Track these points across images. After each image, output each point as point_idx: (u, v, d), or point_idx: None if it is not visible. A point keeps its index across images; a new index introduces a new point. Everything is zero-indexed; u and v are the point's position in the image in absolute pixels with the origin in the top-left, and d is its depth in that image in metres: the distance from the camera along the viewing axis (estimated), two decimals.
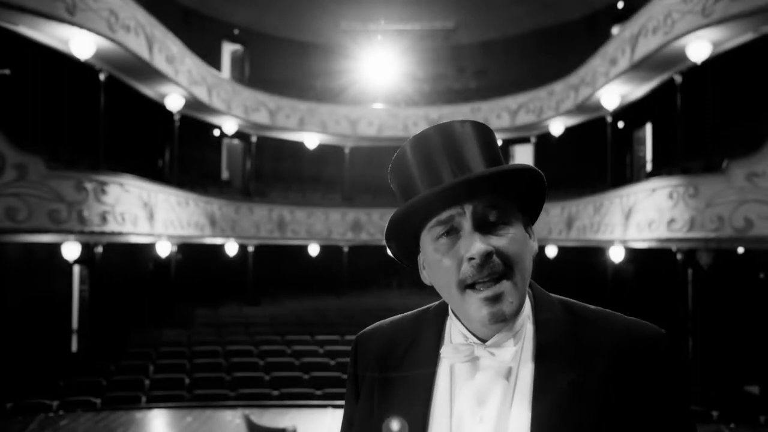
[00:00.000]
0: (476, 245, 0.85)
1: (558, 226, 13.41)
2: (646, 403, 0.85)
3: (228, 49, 18.08)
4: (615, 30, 13.89)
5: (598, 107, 12.70)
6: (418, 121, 16.71)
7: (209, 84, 13.65)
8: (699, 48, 8.83)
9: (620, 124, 14.00)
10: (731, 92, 10.38)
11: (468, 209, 0.87)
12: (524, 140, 16.39)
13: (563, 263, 14.00)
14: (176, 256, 13.36)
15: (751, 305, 9.71)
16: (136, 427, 8.05)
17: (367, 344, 1.04)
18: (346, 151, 17.39)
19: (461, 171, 0.88)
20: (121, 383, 9.36)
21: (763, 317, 9.26)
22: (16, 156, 7.82)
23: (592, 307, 0.96)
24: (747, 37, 8.64)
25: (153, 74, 11.20)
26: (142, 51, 10.37)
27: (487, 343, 0.90)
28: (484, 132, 0.93)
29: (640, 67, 10.37)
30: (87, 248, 9.73)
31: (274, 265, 16.53)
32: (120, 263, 12.38)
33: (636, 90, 11.67)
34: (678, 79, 10.18)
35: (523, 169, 0.88)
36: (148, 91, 12.18)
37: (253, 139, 16.41)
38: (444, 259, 0.88)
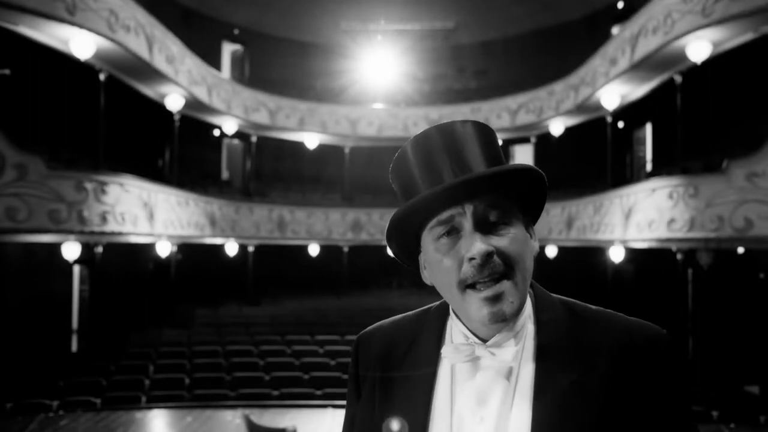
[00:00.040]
0: (477, 245, 0.85)
1: (558, 226, 13.41)
2: (648, 403, 0.85)
3: (228, 49, 18.08)
4: (615, 30, 13.89)
5: (598, 107, 12.71)
6: (418, 121, 16.71)
7: (209, 84, 13.65)
8: (699, 48, 8.83)
9: (620, 124, 14.00)
10: (731, 92, 10.39)
11: (468, 209, 0.87)
12: (524, 140, 16.40)
13: (563, 263, 14.01)
14: (176, 256, 13.36)
15: (751, 305, 9.71)
16: (136, 427, 8.05)
17: (368, 344, 1.04)
18: (346, 151, 17.39)
19: (462, 171, 0.88)
20: (121, 383, 9.36)
21: (763, 317, 9.26)
22: (16, 156, 7.81)
23: (594, 307, 0.96)
24: (747, 37, 8.64)
25: (153, 74, 11.20)
26: (142, 51, 10.37)
27: (488, 343, 0.90)
28: (485, 132, 0.93)
29: (640, 67, 10.37)
30: (87, 248, 9.73)
31: (274, 265, 16.53)
32: (120, 263, 12.38)
33: (636, 90, 11.67)
34: (678, 79, 10.18)
35: (523, 169, 0.88)
36: (148, 91, 12.18)
37: (253, 139, 16.41)
38: (445, 259, 0.89)
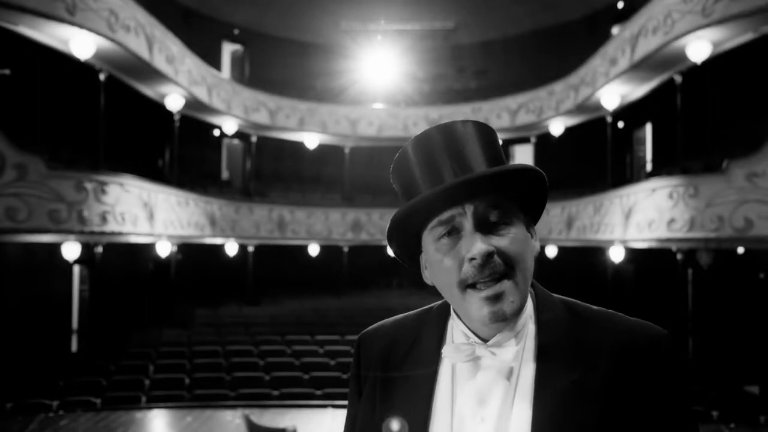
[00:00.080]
0: (477, 245, 0.85)
1: (558, 226, 13.41)
2: (649, 404, 0.85)
3: (228, 49, 18.08)
4: (615, 30, 13.89)
5: (598, 107, 12.70)
6: (418, 121, 16.71)
7: (209, 84, 13.65)
8: (699, 48, 8.83)
9: (620, 124, 14.00)
10: (731, 92, 10.39)
11: (469, 209, 0.87)
12: (524, 140, 16.40)
13: (563, 263, 14.01)
14: (176, 256, 13.36)
15: (751, 305, 9.71)
16: (136, 427, 8.05)
17: (369, 343, 1.04)
18: (346, 151, 17.39)
19: (462, 171, 0.88)
20: (121, 383, 9.36)
21: (763, 317, 9.26)
22: (16, 156, 7.81)
23: (595, 307, 0.96)
24: (747, 37, 8.64)
25: (153, 74, 11.20)
26: (142, 51, 10.37)
27: (489, 343, 0.90)
28: (486, 132, 0.93)
29: (640, 67, 10.37)
30: (87, 248, 9.73)
31: (274, 265, 16.52)
32: (120, 263, 12.38)
33: (636, 90, 11.67)
34: (678, 79, 10.18)
35: (524, 169, 0.88)
36: (148, 91, 12.18)
37: (253, 139, 16.41)
38: (445, 259, 0.88)
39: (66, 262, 9.94)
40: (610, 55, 11.44)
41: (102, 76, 10.23)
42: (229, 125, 14.96)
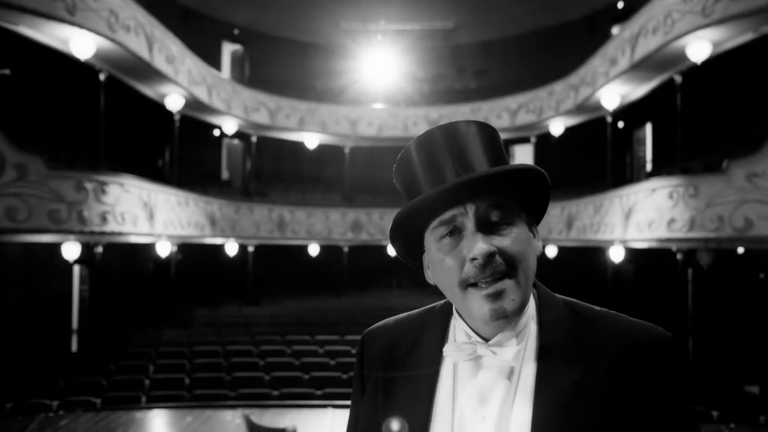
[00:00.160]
0: (479, 245, 0.85)
1: (558, 226, 13.42)
2: (649, 405, 0.85)
3: (228, 49, 18.08)
4: (615, 30, 13.89)
5: (598, 107, 12.71)
6: (418, 121, 16.71)
7: (209, 84, 13.65)
8: (699, 48, 8.83)
9: (620, 124, 14.00)
10: (731, 92, 10.38)
11: (471, 209, 0.87)
12: (524, 140, 16.40)
13: (563, 263, 14.00)
14: (176, 256, 13.36)
15: (751, 305, 9.72)
16: (136, 427, 8.05)
17: (371, 343, 1.04)
18: (346, 151, 17.39)
19: (464, 171, 0.88)
20: (121, 383, 9.36)
21: (763, 317, 9.26)
22: (16, 156, 7.81)
23: (597, 308, 0.96)
24: (747, 37, 8.64)
25: (153, 74, 11.19)
26: (142, 51, 10.37)
27: (490, 342, 0.90)
28: (488, 132, 0.93)
29: (640, 67, 10.37)
30: (87, 248, 9.73)
31: (274, 265, 16.52)
32: (120, 263, 12.38)
33: (636, 90, 11.67)
34: (678, 79, 10.18)
35: (525, 169, 0.88)
36: (148, 91, 12.18)
37: (253, 139, 16.41)
38: (447, 259, 0.89)
39: (66, 262, 9.94)
40: (610, 55, 11.44)
41: (102, 76, 10.23)
42: (229, 125, 14.96)
